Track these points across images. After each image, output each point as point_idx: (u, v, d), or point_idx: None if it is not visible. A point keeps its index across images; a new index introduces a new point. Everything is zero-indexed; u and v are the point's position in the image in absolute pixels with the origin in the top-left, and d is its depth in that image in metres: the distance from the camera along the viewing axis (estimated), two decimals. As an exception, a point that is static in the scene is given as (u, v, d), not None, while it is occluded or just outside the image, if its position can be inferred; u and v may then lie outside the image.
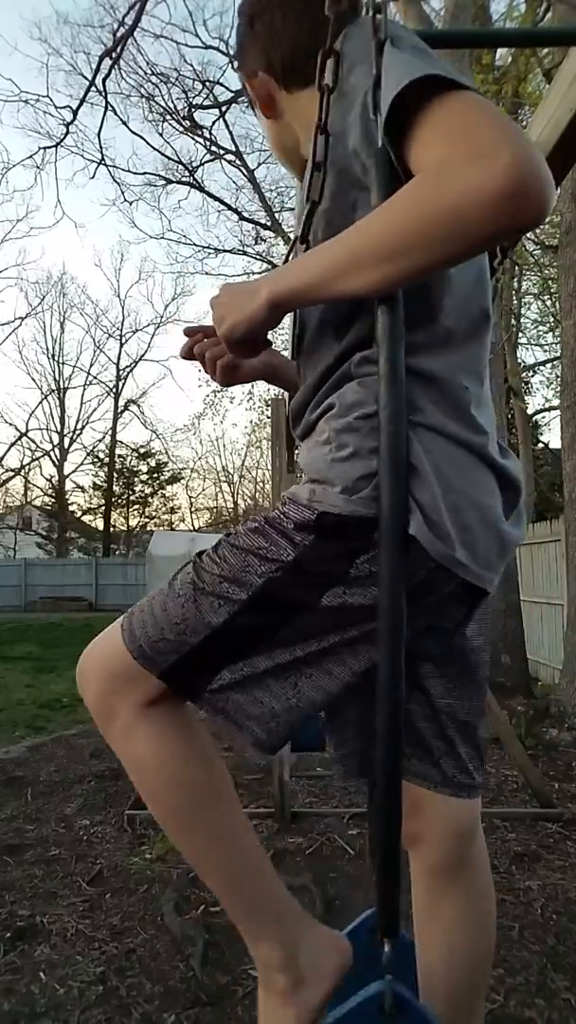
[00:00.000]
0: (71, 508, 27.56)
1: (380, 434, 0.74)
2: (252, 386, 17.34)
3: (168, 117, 12.74)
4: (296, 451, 0.93)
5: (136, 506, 28.08)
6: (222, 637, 0.79)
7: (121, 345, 28.09)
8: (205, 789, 0.84)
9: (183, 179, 14.06)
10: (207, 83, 12.51)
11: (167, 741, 0.83)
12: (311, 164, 0.83)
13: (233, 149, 13.39)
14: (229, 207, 14.13)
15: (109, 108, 8.96)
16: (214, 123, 13.03)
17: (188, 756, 0.84)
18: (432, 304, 0.80)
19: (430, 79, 0.65)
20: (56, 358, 27.61)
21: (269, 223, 12.81)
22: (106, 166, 11.30)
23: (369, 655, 0.79)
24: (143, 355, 32.70)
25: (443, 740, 0.94)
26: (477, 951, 0.95)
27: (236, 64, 1.03)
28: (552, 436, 17.00)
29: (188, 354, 1.01)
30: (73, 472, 27.76)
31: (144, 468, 27.80)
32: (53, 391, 27.35)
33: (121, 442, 27.65)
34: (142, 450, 27.58)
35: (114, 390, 27.67)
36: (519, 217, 0.60)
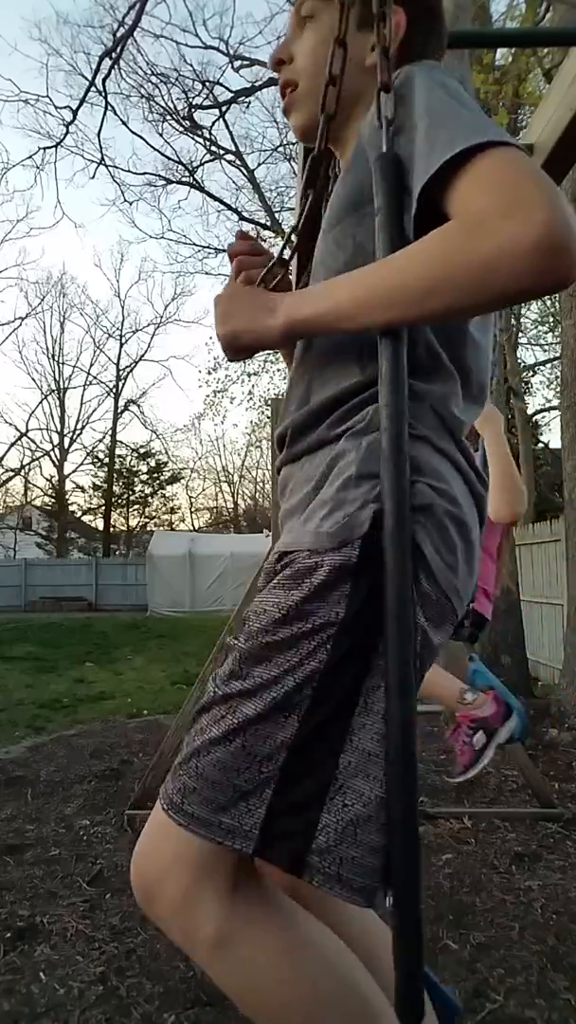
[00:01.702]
0: (71, 508, 27.56)
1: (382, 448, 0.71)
2: (252, 386, 17.34)
3: (168, 117, 12.74)
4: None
5: (136, 506, 28.09)
6: (307, 750, 0.67)
7: (121, 345, 28.11)
8: (339, 990, 0.69)
9: (183, 179, 14.07)
10: (207, 83, 12.51)
11: (273, 934, 0.69)
12: (328, 77, 0.82)
13: (233, 149, 13.39)
14: (229, 207, 14.14)
15: (109, 108, 8.98)
16: (214, 123, 13.04)
17: (304, 950, 0.70)
18: (467, 365, 0.81)
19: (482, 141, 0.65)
20: (56, 358, 27.63)
21: (269, 223, 12.81)
22: (106, 166, 11.31)
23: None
24: (143, 355, 32.67)
25: None
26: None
27: None
28: (552, 436, 17.01)
29: (234, 252, 0.95)
30: (73, 472, 27.78)
31: (144, 468, 27.81)
32: (53, 391, 27.37)
33: (121, 442, 27.67)
34: (142, 450, 27.60)
35: (114, 390, 27.69)
36: (549, 275, 0.60)
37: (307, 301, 0.76)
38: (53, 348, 27.80)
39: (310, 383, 0.85)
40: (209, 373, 16.87)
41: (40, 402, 33.47)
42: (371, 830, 0.66)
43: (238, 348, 0.82)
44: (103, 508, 26.92)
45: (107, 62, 7.96)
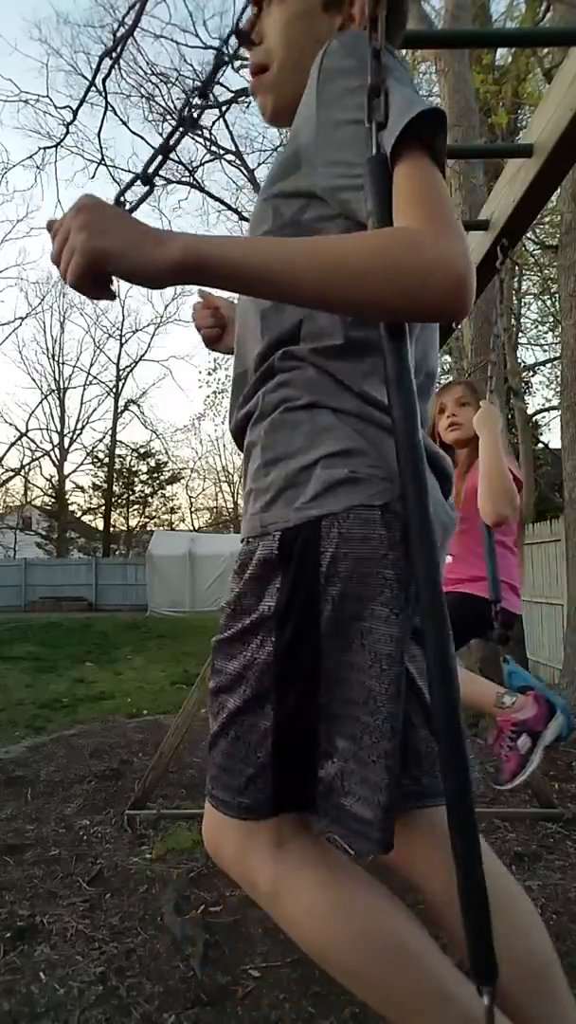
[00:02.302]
0: (71, 508, 27.57)
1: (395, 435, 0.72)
2: (252, 386, 17.35)
3: (168, 117, 12.74)
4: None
5: (136, 506, 28.11)
6: (287, 732, 0.75)
7: (121, 345, 28.22)
8: (386, 937, 0.75)
9: (183, 179, 14.07)
10: (207, 83, 12.51)
11: (318, 885, 0.77)
12: None
13: (233, 149, 13.39)
14: (229, 207, 14.11)
15: (109, 108, 8.95)
16: (214, 123, 13.02)
17: (349, 898, 0.77)
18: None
19: (431, 115, 0.70)
20: (56, 358, 27.65)
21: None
22: (106, 166, 11.35)
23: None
24: (143, 355, 32.81)
25: (434, 741, 0.88)
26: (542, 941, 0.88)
27: None
28: (552, 436, 17.00)
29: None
30: (73, 472, 27.85)
31: (144, 468, 27.83)
32: (53, 391, 27.38)
33: (121, 442, 27.71)
34: (142, 450, 27.62)
35: (114, 390, 27.70)
36: (459, 303, 0.65)
37: (217, 240, 0.68)
38: (53, 348, 27.93)
39: (237, 355, 0.90)
40: (209, 373, 16.89)
41: (40, 402, 33.56)
42: (357, 780, 0.73)
43: (101, 273, 0.67)
44: (103, 508, 26.93)
45: (107, 62, 7.94)
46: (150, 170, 0.88)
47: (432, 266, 0.65)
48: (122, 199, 0.83)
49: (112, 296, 0.71)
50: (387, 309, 0.68)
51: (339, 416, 0.76)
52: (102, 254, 0.65)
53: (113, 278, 0.69)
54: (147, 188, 0.89)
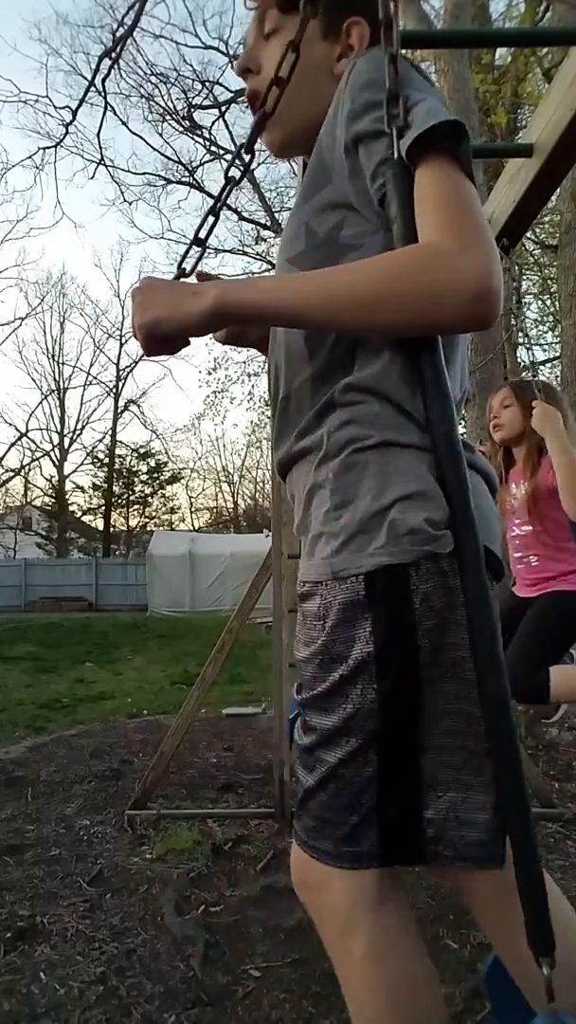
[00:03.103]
0: (71, 508, 27.57)
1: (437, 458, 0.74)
2: (252, 386, 17.34)
3: (168, 117, 12.76)
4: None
5: (136, 506, 28.11)
6: (394, 774, 0.73)
7: (121, 345, 28.11)
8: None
9: (183, 179, 14.08)
10: (207, 83, 12.53)
11: (406, 958, 0.77)
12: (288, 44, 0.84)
13: (233, 149, 13.39)
14: (229, 207, 14.13)
15: (109, 108, 9.00)
16: (214, 123, 13.07)
17: (424, 989, 0.77)
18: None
19: (453, 126, 0.70)
20: (56, 358, 27.66)
21: (269, 223, 12.82)
22: (106, 166, 11.33)
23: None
24: (143, 355, 32.67)
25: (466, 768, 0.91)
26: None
27: None
28: (552, 436, 16.95)
29: None
30: (73, 472, 27.81)
31: (144, 468, 27.83)
32: (53, 391, 27.40)
33: (121, 442, 27.71)
34: (142, 450, 27.62)
35: (114, 390, 27.70)
36: (478, 319, 0.67)
37: (242, 287, 0.76)
38: (53, 348, 27.88)
39: (277, 376, 0.87)
40: (209, 373, 16.90)
41: (40, 402, 33.60)
42: (467, 806, 0.72)
43: (160, 338, 0.77)
44: (103, 508, 26.93)
45: (107, 62, 7.96)
46: (202, 234, 0.91)
47: (445, 285, 0.66)
48: (183, 266, 0.89)
49: (181, 348, 0.80)
50: (406, 329, 0.71)
51: (408, 452, 0.75)
52: (154, 323, 0.76)
53: (187, 336, 0.78)
54: (201, 250, 0.92)
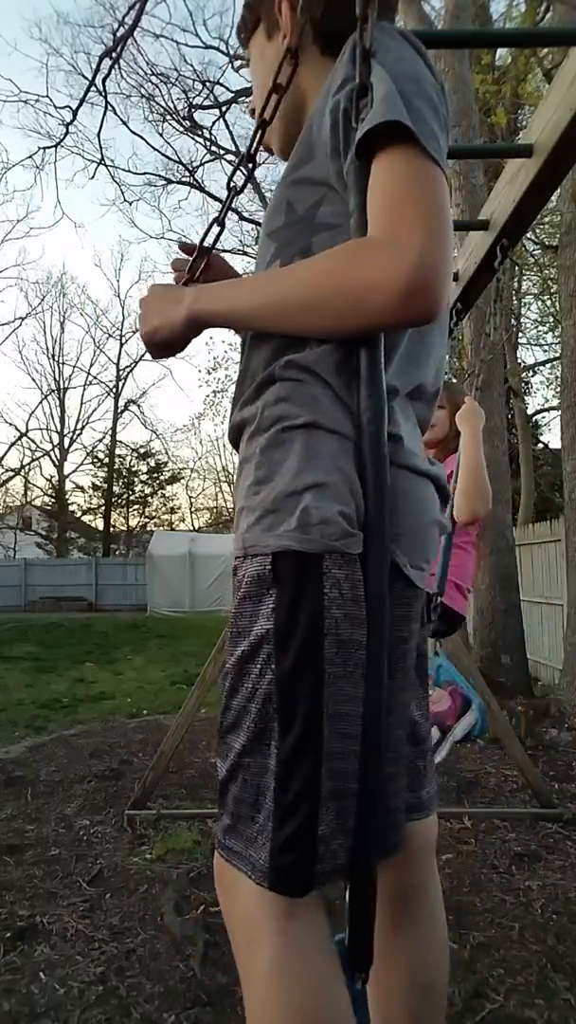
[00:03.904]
0: (71, 508, 27.56)
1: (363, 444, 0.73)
2: (252, 386, 17.33)
3: (168, 117, 12.74)
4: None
5: (136, 506, 28.09)
6: (291, 772, 0.69)
7: (121, 345, 28.10)
8: None
9: (183, 179, 14.07)
10: (207, 83, 12.51)
11: (312, 982, 0.69)
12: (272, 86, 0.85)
13: (233, 149, 13.39)
14: (231, 208, 14.13)
15: (109, 108, 8.96)
16: (214, 123, 13.03)
17: (333, 1010, 0.70)
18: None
19: (398, 125, 0.67)
20: (56, 358, 27.63)
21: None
22: (106, 166, 11.30)
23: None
24: (143, 355, 32.64)
25: (421, 758, 0.90)
26: (439, 977, 0.92)
27: None
28: (552, 436, 17.00)
29: (175, 268, 1.00)
30: (73, 472, 27.80)
31: (144, 468, 27.82)
32: (53, 391, 27.37)
33: (121, 442, 27.69)
34: (142, 450, 27.61)
35: (114, 390, 27.69)
36: (409, 315, 0.66)
37: (209, 296, 0.80)
38: (53, 348, 27.84)
39: (242, 350, 0.88)
40: (209, 373, 16.90)
41: (40, 402, 33.59)
42: (351, 818, 0.70)
43: (158, 344, 0.84)
44: (103, 508, 26.92)
45: (107, 62, 7.95)
46: (207, 242, 0.95)
47: (369, 282, 0.65)
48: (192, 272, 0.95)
49: (180, 350, 0.86)
50: (345, 330, 0.71)
51: (335, 440, 0.73)
52: (153, 332, 0.83)
53: (175, 342, 0.84)
54: (206, 258, 0.96)
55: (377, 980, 0.85)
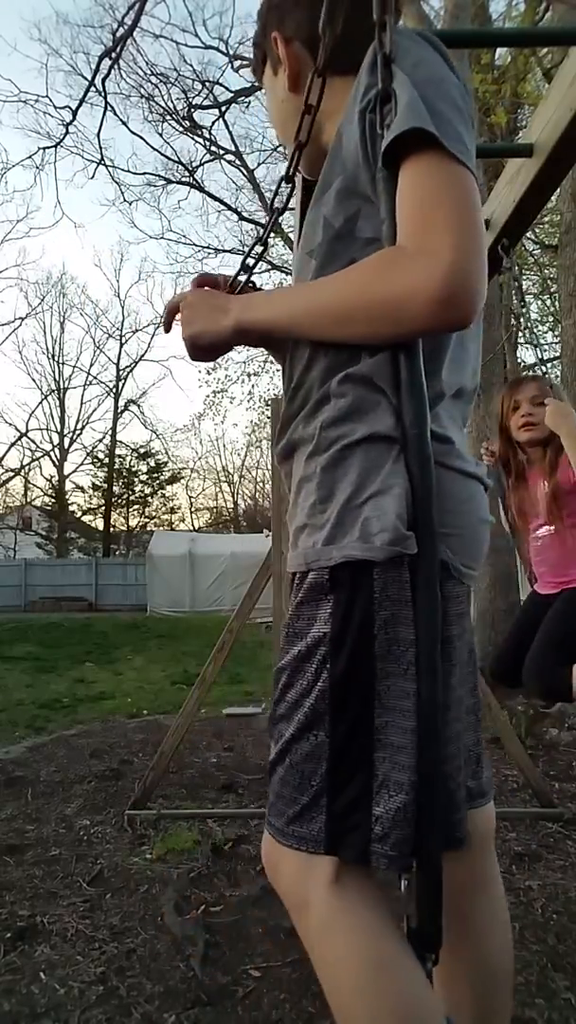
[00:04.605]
0: (71, 508, 27.56)
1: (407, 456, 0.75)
2: (252, 386, 17.36)
3: (168, 117, 12.75)
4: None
5: (136, 506, 28.09)
6: (342, 759, 0.74)
7: (121, 345, 28.17)
8: (410, 1002, 0.72)
9: (183, 179, 14.07)
10: (207, 83, 12.53)
11: (367, 938, 0.73)
12: (304, 107, 0.87)
13: (233, 149, 13.40)
14: (229, 207, 14.15)
15: (109, 108, 9.00)
16: (214, 123, 13.06)
17: (391, 973, 0.73)
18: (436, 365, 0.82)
19: (420, 132, 0.68)
20: (56, 358, 27.66)
21: (268, 223, 12.78)
22: (106, 166, 11.32)
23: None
24: (143, 355, 32.83)
25: (478, 745, 0.93)
26: (502, 967, 0.93)
27: (266, 16, 0.95)
28: (552, 436, 16.95)
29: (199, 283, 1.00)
30: (73, 472, 27.81)
31: (144, 468, 27.81)
32: (53, 391, 27.40)
33: (121, 442, 27.71)
34: (142, 450, 27.60)
35: (114, 390, 27.70)
36: (445, 320, 0.68)
37: (254, 306, 0.83)
38: (53, 348, 27.87)
39: (292, 366, 0.88)
40: (209, 373, 16.85)
41: (40, 402, 33.60)
42: (413, 810, 0.73)
43: (200, 348, 0.87)
44: (103, 508, 26.92)
45: (107, 62, 7.97)
46: (249, 262, 0.99)
47: (403, 291, 0.67)
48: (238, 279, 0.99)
49: (221, 355, 0.91)
50: (380, 338, 0.73)
51: (393, 447, 0.75)
52: (196, 337, 0.86)
53: (220, 349, 0.88)
54: (248, 276, 0.99)
55: (444, 968, 0.86)
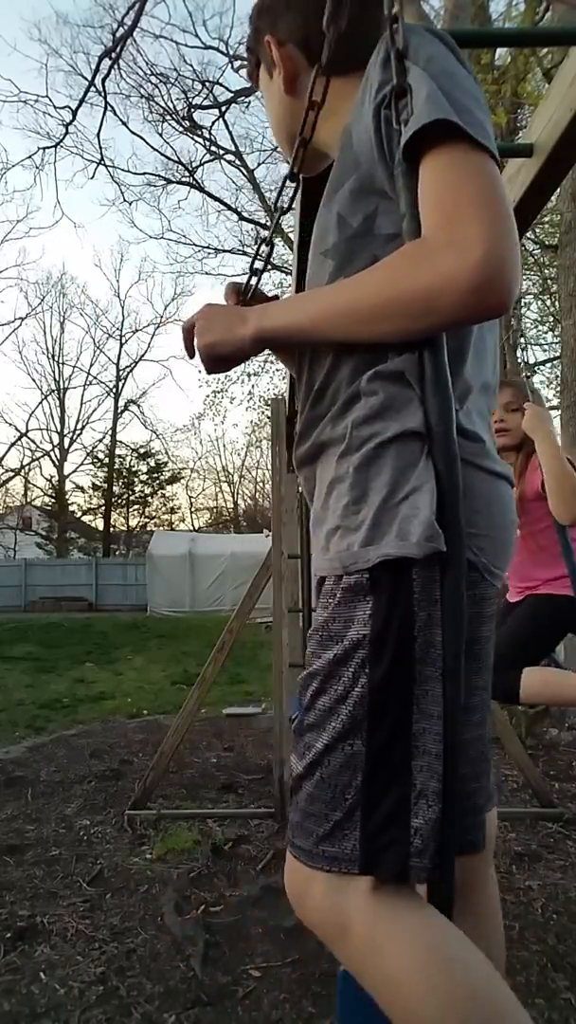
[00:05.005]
0: (71, 508, 27.56)
1: (435, 455, 0.73)
2: (252, 386, 17.35)
3: (168, 117, 12.75)
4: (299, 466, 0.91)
5: (136, 506, 28.08)
6: (379, 769, 0.70)
7: (121, 345, 28.12)
8: (489, 1007, 0.66)
9: (183, 179, 14.07)
10: (207, 83, 12.53)
11: (424, 932, 0.69)
12: (299, 139, 0.88)
13: (233, 149, 13.40)
14: (229, 207, 14.14)
15: (109, 108, 9.00)
16: (214, 123, 13.06)
17: (458, 954, 0.69)
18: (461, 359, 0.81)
19: (444, 122, 0.67)
20: (56, 358, 27.64)
21: (269, 223, 12.80)
22: (106, 166, 11.33)
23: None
24: (143, 355, 32.75)
25: (488, 747, 0.91)
26: (498, 967, 0.91)
27: (258, 21, 0.95)
28: (552, 436, 16.97)
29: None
30: (73, 472, 27.79)
31: (144, 468, 27.81)
32: (53, 391, 27.38)
33: (121, 442, 27.69)
34: (142, 450, 27.60)
35: (114, 390, 27.69)
36: (482, 309, 0.66)
37: (274, 313, 0.81)
38: (53, 348, 27.84)
39: (313, 369, 0.87)
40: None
41: (40, 402, 33.53)
42: (440, 818, 0.70)
43: (217, 359, 0.85)
44: (103, 508, 26.92)
45: (107, 62, 7.97)
46: (257, 265, 0.98)
47: (436, 283, 0.65)
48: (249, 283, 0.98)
49: (237, 365, 0.89)
50: (414, 333, 0.71)
51: (426, 442, 0.74)
52: (212, 346, 0.84)
53: (238, 359, 0.86)
54: (258, 279, 0.98)
55: None
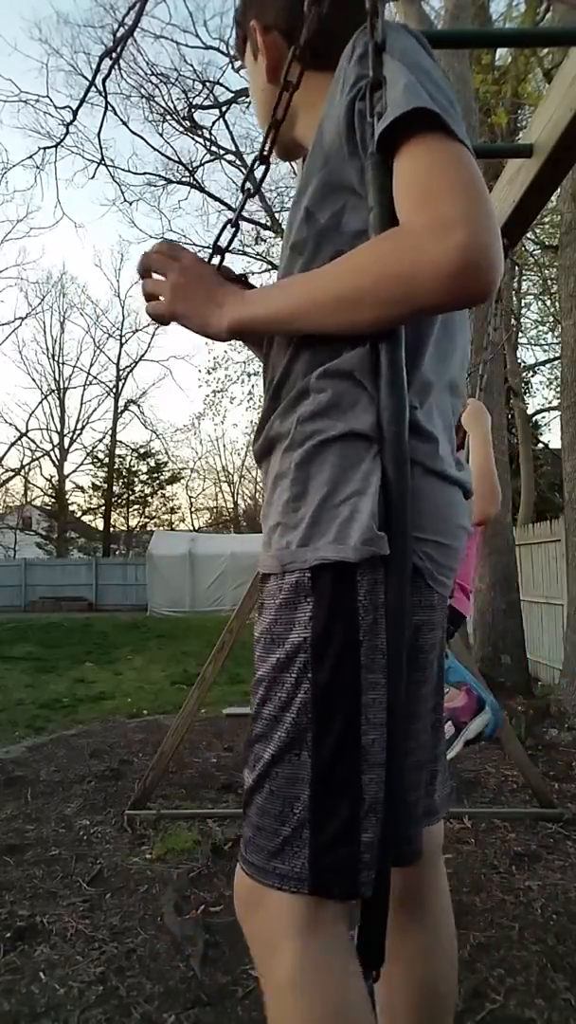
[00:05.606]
0: (71, 508, 27.56)
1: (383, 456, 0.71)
2: (253, 386, 17.34)
3: (168, 117, 12.76)
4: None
5: (136, 506, 28.09)
6: (326, 782, 0.68)
7: (121, 345, 28.16)
8: None
9: (183, 179, 14.08)
10: (207, 83, 12.53)
11: (332, 991, 0.68)
12: (272, 120, 0.85)
13: (233, 149, 13.40)
14: (229, 207, 14.13)
15: (109, 108, 8.99)
16: (214, 123, 13.06)
17: (352, 1012, 0.68)
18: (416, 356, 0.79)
19: (423, 112, 0.66)
20: (56, 358, 27.63)
21: (269, 223, 12.81)
22: (106, 166, 11.32)
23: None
24: (143, 355, 32.81)
25: (435, 762, 0.88)
26: (445, 984, 0.91)
27: (245, 5, 0.94)
28: (552, 436, 17.00)
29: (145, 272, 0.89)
30: (73, 472, 27.79)
31: (144, 468, 27.81)
32: (53, 391, 27.37)
33: (121, 442, 27.69)
34: (142, 450, 27.60)
35: (114, 390, 27.69)
36: (464, 295, 0.64)
37: (250, 303, 0.78)
38: (53, 348, 27.84)
39: (274, 365, 0.84)
40: (209, 373, 16.89)
41: (40, 402, 33.55)
42: (383, 827, 0.69)
43: (170, 322, 0.84)
44: (103, 508, 26.92)
45: (107, 62, 7.96)
46: (221, 242, 0.92)
47: (415, 268, 0.63)
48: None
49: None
50: (395, 319, 0.69)
51: (371, 445, 0.72)
52: (179, 316, 0.82)
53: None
54: (221, 256, 0.92)
55: (384, 982, 0.84)
